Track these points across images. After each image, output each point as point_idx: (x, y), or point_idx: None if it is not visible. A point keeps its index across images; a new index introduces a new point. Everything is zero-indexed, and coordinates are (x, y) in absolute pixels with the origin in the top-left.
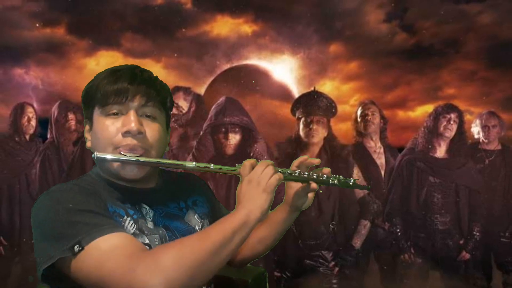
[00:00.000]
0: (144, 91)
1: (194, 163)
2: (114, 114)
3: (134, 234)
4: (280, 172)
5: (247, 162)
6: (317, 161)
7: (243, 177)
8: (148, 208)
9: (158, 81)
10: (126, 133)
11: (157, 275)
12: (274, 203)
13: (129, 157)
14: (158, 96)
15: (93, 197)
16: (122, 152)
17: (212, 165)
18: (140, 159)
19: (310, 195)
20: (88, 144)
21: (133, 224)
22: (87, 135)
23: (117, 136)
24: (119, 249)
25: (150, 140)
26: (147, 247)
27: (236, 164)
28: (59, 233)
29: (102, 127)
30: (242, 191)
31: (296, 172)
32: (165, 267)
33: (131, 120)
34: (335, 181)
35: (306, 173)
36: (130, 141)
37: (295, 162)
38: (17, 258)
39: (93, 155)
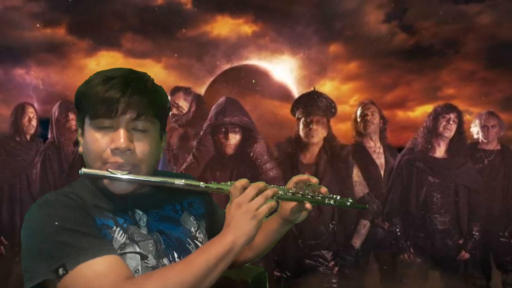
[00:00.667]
0: (136, 104)
1: (183, 181)
2: (105, 127)
3: (124, 244)
4: (274, 190)
5: (238, 184)
6: (315, 180)
7: (233, 198)
8: (141, 213)
9: (154, 89)
10: (115, 150)
11: None
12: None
13: (116, 174)
14: (152, 108)
15: (81, 213)
16: (109, 170)
17: (202, 183)
18: (128, 176)
19: (304, 212)
20: (81, 149)
21: (123, 233)
22: (79, 139)
23: (106, 151)
24: (102, 278)
25: (139, 155)
26: (138, 256)
27: (228, 182)
28: (45, 252)
29: (92, 140)
30: (230, 213)
31: (291, 191)
32: None
33: (120, 137)
34: (331, 201)
35: (301, 192)
36: (118, 158)
37: (294, 179)
38: (18, 258)
39: (80, 171)
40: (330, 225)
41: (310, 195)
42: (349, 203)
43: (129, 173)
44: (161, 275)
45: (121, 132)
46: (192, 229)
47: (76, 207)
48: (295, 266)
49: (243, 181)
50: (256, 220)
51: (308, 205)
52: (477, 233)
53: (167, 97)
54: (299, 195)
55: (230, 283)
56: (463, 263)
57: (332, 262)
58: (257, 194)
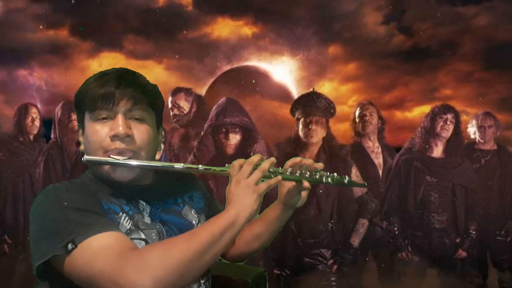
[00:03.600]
0: (131, 94)
1: (182, 164)
2: (103, 118)
3: (129, 230)
4: (271, 171)
5: (236, 163)
6: (309, 161)
7: (232, 178)
8: (145, 204)
9: (146, 82)
10: (114, 137)
11: (144, 274)
12: (270, 199)
13: (117, 159)
14: (146, 98)
15: (88, 195)
16: (111, 156)
17: (200, 166)
18: (129, 161)
19: (304, 193)
20: (82, 147)
21: (129, 220)
22: (80, 139)
23: (106, 140)
24: (109, 249)
25: (138, 142)
26: (143, 242)
27: (226, 164)
28: (54, 230)
29: (92, 131)
30: (231, 191)
31: (288, 171)
32: (152, 266)
33: (119, 124)
34: (329, 179)
35: (298, 171)
36: (118, 144)
37: (288, 163)
38: (21, 256)
39: (82, 159)
40: (329, 224)
41: (307, 173)
42: (346, 181)
43: (130, 158)
44: (165, 244)
45: (119, 119)
46: (193, 222)
47: (85, 191)
48: (295, 264)
49: (240, 161)
50: (256, 193)
51: (306, 184)
52: (474, 232)
53: (160, 92)
54: (297, 174)
55: (230, 283)
56: (460, 261)
57: (331, 261)
58: (254, 169)
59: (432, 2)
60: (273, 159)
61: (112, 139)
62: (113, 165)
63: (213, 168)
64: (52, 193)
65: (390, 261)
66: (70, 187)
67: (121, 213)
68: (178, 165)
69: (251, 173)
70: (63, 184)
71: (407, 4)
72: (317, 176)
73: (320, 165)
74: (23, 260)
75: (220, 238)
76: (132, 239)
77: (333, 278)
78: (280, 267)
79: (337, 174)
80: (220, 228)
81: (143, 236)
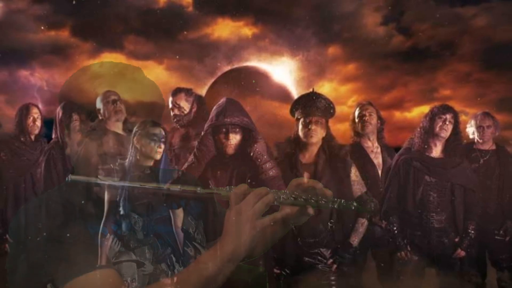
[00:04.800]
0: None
1: (179, 186)
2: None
3: (119, 252)
4: (275, 195)
5: (238, 190)
6: (319, 185)
7: (233, 205)
8: (137, 216)
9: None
10: (104, 155)
11: None
12: (268, 212)
13: (104, 181)
14: None
15: (72, 219)
16: (99, 176)
17: (198, 188)
18: (117, 183)
19: (304, 217)
20: (68, 151)
21: (117, 241)
22: (67, 139)
23: (94, 157)
24: None
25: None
26: (134, 264)
27: (227, 187)
28: (34, 264)
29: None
30: (230, 221)
31: (293, 196)
32: None
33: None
34: (335, 205)
35: (304, 196)
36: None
37: (293, 182)
38: (22, 256)
39: (66, 179)
40: (329, 223)
41: (313, 199)
42: (353, 206)
43: (120, 180)
44: None
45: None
46: (190, 230)
47: (68, 213)
48: (294, 263)
49: (243, 187)
50: (257, 229)
51: (310, 210)
52: (472, 231)
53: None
54: (302, 199)
55: (230, 283)
56: (459, 260)
57: (331, 260)
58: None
59: (431, 3)
60: (276, 195)
61: (101, 157)
62: (100, 186)
63: (212, 190)
64: (32, 216)
65: (390, 261)
66: (53, 209)
67: (108, 235)
68: (174, 188)
69: (254, 205)
70: (45, 203)
71: (406, 5)
72: (323, 202)
73: (328, 193)
74: (25, 260)
75: (215, 279)
76: (122, 261)
77: (332, 278)
78: (280, 267)
79: (342, 199)
80: (214, 269)
81: (134, 257)
